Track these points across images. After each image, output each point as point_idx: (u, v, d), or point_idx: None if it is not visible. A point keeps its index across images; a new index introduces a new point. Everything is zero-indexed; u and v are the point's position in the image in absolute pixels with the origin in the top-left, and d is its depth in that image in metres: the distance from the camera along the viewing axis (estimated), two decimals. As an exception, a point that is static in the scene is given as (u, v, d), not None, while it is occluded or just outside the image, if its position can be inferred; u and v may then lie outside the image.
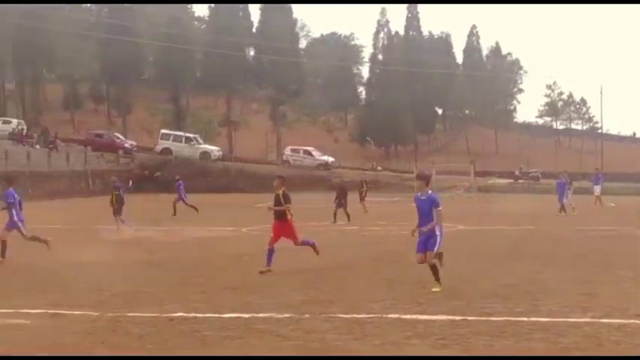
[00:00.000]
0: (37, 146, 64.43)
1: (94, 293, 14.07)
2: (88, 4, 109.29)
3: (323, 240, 20.24)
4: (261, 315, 11.80)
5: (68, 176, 60.87)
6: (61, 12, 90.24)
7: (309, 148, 75.89)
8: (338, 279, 15.76)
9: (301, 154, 74.24)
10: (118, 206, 29.02)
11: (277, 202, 16.87)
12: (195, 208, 36.52)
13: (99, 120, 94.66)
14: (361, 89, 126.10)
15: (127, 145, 72.14)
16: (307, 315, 11.73)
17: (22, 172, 54.81)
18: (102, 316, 11.84)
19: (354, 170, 73.55)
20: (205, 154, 70.49)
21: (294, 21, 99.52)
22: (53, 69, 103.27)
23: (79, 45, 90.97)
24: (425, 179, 14.48)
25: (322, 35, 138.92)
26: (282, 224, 16.94)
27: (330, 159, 74.48)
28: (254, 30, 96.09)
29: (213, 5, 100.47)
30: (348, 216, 31.64)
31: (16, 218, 18.63)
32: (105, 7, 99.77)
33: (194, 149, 70.73)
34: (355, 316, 11.69)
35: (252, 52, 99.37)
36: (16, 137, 66.01)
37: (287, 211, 16.80)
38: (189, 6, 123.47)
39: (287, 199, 16.88)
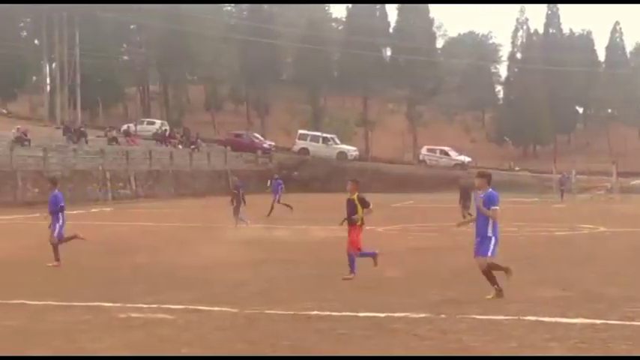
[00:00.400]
0: (180, 146, 66.29)
1: (233, 290, 14.42)
2: (229, 6, 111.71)
3: (460, 240, 20.09)
4: (397, 314, 11.83)
5: (209, 175, 62.43)
6: (203, 15, 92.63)
7: (446, 148, 75.35)
8: (475, 280, 15.60)
9: (438, 154, 73.80)
10: (237, 205, 29.66)
11: (351, 208, 16.25)
12: (290, 207, 36.84)
13: (238, 120, 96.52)
14: (499, 88, 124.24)
15: (265, 145, 73.35)
16: (443, 315, 11.70)
17: (165, 171, 56.66)
18: (240, 312, 12.13)
19: (491, 170, 72.54)
20: (342, 154, 70.93)
21: (431, 20, 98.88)
22: (195, 71, 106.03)
23: (219, 47, 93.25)
24: (485, 177, 13.75)
25: (459, 34, 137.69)
26: (353, 228, 16.30)
27: (467, 159, 73.72)
28: (391, 30, 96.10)
29: (350, 6, 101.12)
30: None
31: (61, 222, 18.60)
32: (245, 10, 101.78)
33: (331, 149, 71.27)
34: (492, 317, 11.59)
35: (388, 52, 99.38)
36: (159, 138, 68.11)
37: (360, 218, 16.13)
38: (326, 7, 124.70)
39: (365, 204, 16.27)
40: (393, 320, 11.46)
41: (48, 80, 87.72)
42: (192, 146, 66.07)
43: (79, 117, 75.37)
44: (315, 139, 72.74)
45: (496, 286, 13.18)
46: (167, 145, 65.55)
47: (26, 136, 50.63)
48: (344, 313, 12.05)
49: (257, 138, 75.09)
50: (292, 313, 12.06)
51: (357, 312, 12.05)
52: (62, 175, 48.30)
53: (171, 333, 10.59)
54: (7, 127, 55.04)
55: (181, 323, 11.32)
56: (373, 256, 16.41)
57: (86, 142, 57.24)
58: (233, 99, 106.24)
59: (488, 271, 13.24)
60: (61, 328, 10.93)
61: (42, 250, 21.37)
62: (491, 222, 13.12)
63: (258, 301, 13.20)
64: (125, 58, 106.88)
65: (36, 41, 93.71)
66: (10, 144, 48.24)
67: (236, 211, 29.56)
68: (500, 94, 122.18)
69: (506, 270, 13.41)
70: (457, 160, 72.61)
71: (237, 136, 74.56)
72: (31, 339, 10.23)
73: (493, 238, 13.14)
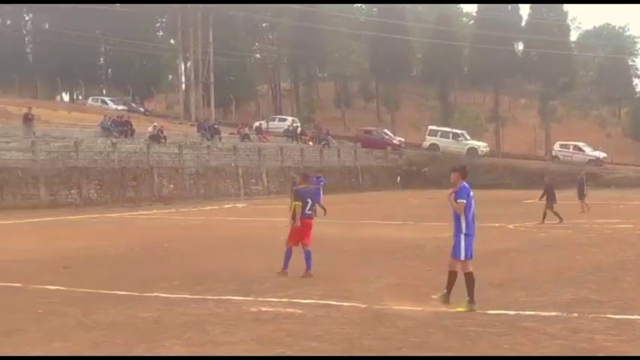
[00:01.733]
0: (311, 143, 66.88)
1: (363, 286, 14.49)
2: (360, 5, 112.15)
3: (593, 237, 19.57)
4: (527, 312, 11.66)
5: (339, 171, 62.76)
6: (334, 13, 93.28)
7: (580, 144, 73.41)
8: (608, 279, 15.22)
9: (571, 150, 71.99)
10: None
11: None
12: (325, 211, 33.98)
13: (368, 117, 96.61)
14: (636, 82, 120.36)
15: (395, 141, 73.21)
16: (575, 314, 11.46)
17: (296, 167, 57.26)
18: (369, 308, 12.18)
19: (627, 166, 70.38)
20: (472, 150, 70.12)
21: (565, 13, 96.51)
22: (326, 68, 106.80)
23: (350, 44, 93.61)
24: (458, 171, 12.39)
25: (594, 27, 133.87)
26: None
27: (602, 155, 71.65)
28: (523, 23, 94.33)
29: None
30: (559, 216, 29.63)
31: None
32: (374, 7, 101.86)
33: (461, 145, 70.56)
34: (627, 317, 11.28)
35: (520, 46, 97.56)
36: (290, 134, 68.88)
37: None
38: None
39: None
40: (523, 318, 11.29)
41: (183, 79, 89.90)
42: (323, 142, 66.54)
43: (213, 114, 76.94)
44: (445, 134, 72.17)
45: (446, 292, 12.02)
46: (298, 142, 66.23)
47: (162, 133, 52.08)
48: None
49: (387, 134, 75.03)
50: (421, 309, 12.03)
51: (487, 309, 11.91)
52: (196, 171, 49.58)
53: (299, 327, 10.72)
54: (145, 125, 56.78)
55: (310, 318, 11.45)
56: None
57: (220, 139, 58.43)
58: (363, 95, 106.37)
59: (468, 277, 12.02)
60: (194, 320, 11.22)
61: (178, 244, 22.02)
62: (462, 219, 12.01)
63: (387, 297, 13.21)
64: (257, 56, 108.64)
65: (172, 41, 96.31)
66: (147, 141, 49.75)
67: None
68: (638, 88, 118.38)
69: (447, 292, 12.06)
70: (591, 155, 70.64)
71: (367, 132, 74.67)
72: (166, 330, 10.53)
73: (463, 237, 11.98)
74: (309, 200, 16.30)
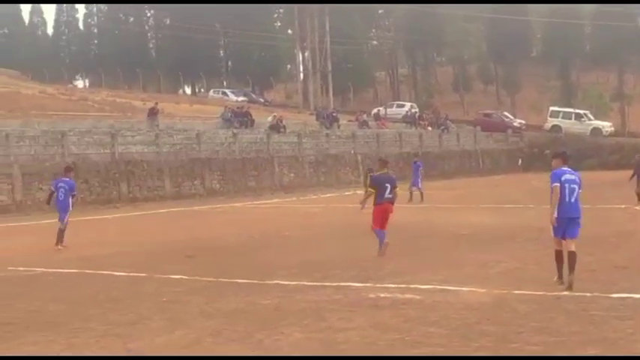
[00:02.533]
0: (429, 128, 66.46)
1: (481, 271, 14.36)
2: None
3: None
4: (657, 296, 11.34)
5: (459, 156, 62.24)
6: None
7: None
8: None
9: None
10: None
11: None
12: (411, 196, 33.93)
13: (488, 100, 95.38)
14: None
15: (515, 123, 72.05)
16: None
17: (415, 153, 57.04)
18: (488, 292, 12.06)
19: None
20: (596, 130, 68.30)
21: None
22: (443, 52, 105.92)
23: (467, 27, 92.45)
24: (560, 156, 13.10)
25: None
26: None
27: None
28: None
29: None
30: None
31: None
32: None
33: (584, 126, 68.83)
34: None
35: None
36: (409, 120, 68.63)
37: None
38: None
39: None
40: (648, 302, 10.99)
41: (301, 68, 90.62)
42: (442, 127, 66.03)
43: (331, 102, 77.37)
44: (567, 115, 70.51)
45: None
46: (416, 128, 65.90)
47: (282, 123, 52.64)
48: (596, 294, 11.68)
49: (507, 117, 73.90)
50: (541, 293, 11.85)
51: (610, 293, 11.64)
52: (316, 160, 49.96)
53: (417, 313, 10.70)
54: (264, 115, 57.54)
55: (429, 303, 11.41)
56: None
57: (338, 126, 58.67)
58: (482, 78, 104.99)
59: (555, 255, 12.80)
60: (313, 307, 11.34)
61: (298, 232, 22.27)
62: (556, 201, 12.53)
63: (507, 281, 13.06)
64: (374, 42, 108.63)
65: (289, 31, 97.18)
66: (267, 131, 50.40)
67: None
68: None
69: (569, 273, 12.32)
70: None
71: (487, 115, 73.72)
72: (285, 317, 10.68)
73: (554, 219, 12.55)
74: (387, 185, 16.93)
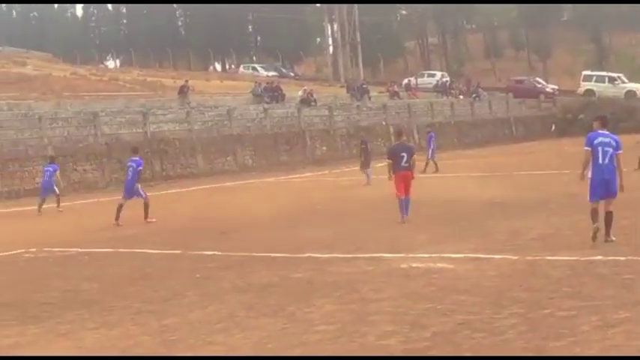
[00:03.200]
0: (461, 97, 66.08)
1: (513, 238, 14.31)
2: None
3: None
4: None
5: (491, 124, 61.86)
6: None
7: None
8: None
9: None
10: (365, 160, 30.98)
11: None
12: (436, 167, 34.18)
13: (519, 66, 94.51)
14: None
15: (548, 89, 71.40)
16: None
17: (447, 122, 56.83)
18: (521, 259, 12.02)
19: None
20: (631, 93, 67.42)
21: None
22: (473, 19, 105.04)
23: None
24: (599, 119, 13.60)
25: None
26: None
27: None
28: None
29: None
30: None
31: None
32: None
33: (618, 89, 67.97)
34: None
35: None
36: (440, 89, 68.26)
37: None
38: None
39: None
40: (683, 264, 10.90)
41: (330, 41, 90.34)
42: (474, 95, 65.59)
43: (362, 74, 77.09)
44: (600, 79, 69.67)
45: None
46: (448, 97, 65.55)
47: (312, 96, 52.58)
48: (630, 258, 11.60)
49: (539, 83, 73.23)
50: (575, 259, 11.79)
51: (645, 256, 11.56)
52: (347, 132, 49.90)
53: (449, 282, 10.70)
54: (295, 89, 57.49)
55: (460, 272, 11.41)
56: None
57: (369, 98, 58.45)
58: (513, 45, 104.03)
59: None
60: (345, 279, 11.37)
61: (330, 205, 22.31)
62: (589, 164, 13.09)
63: (539, 247, 13.01)
64: (403, 12, 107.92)
65: (317, 4, 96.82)
66: (297, 105, 50.37)
67: (364, 165, 30.82)
68: None
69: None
70: None
71: (519, 82, 73.06)
72: (318, 290, 10.73)
73: (589, 181, 13.16)
74: (404, 154, 17.84)
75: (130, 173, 21.54)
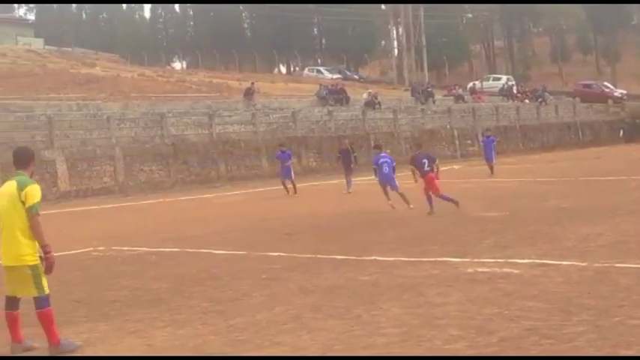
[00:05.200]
0: (527, 101, 65.45)
1: (581, 244, 14.12)
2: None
3: None
4: None
5: (557, 128, 61.17)
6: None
7: None
8: None
9: None
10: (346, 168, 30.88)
11: None
12: (492, 170, 34.06)
13: (587, 70, 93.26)
14: None
15: (616, 94, 70.41)
16: None
17: (512, 126, 56.36)
18: (589, 266, 11.86)
19: None
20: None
21: None
22: (540, 23, 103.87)
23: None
24: None
25: None
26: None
27: None
28: None
29: None
30: None
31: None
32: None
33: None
34: None
35: None
36: (505, 93, 67.67)
37: None
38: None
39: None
40: None
41: (395, 44, 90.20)
42: (540, 99, 64.91)
43: (426, 77, 76.85)
44: (671, 84, 68.62)
45: None
46: (514, 101, 64.98)
47: (377, 99, 52.58)
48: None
49: (607, 87, 72.23)
50: (644, 266, 11.61)
51: None
52: (412, 135, 49.76)
53: (516, 287, 10.61)
54: (359, 92, 57.53)
55: (527, 277, 11.29)
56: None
57: (433, 101, 58.26)
58: (581, 48, 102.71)
59: None
60: (411, 282, 11.35)
61: (395, 208, 22.26)
62: None
63: (608, 254, 12.81)
64: (469, 15, 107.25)
65: (382, 6, 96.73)
66: (362, 108, 50.40)
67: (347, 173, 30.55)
68: None
69: None
70: None
71: (586, 86, 72.16)
72: (383, 292, 10.73)
73: None
74: (425, 160, 20.71)
75: (386, 168, 22.38)
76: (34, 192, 8.44)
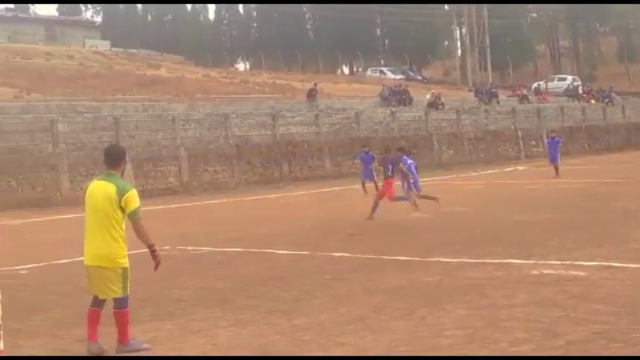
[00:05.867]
0: (593, 101, 64.51)
1: (649, 247, 13.90)
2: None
3: None
4: None
5: (624, 129, 60.18)
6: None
7: None
8: None
9: None
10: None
11: None
12: (557, 171, 33.27)
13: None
14: None
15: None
16: None
17: (577, 127, 55.61)
18: (658, 269, 11.68)
19: None
20: None
21: None
22: (606, 22, 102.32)
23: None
24: None
25: None
26: None
27: None
28: None
29: None
30: None
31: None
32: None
33: None
34: None
35: None
36: (571, 93, 66.80)
37: None
38: None
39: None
40: None
41: (459, 44, 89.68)
42: (606, 100, 63.91)
43: (490, 78, 76.23)
44: None
45: None
46: (579, 101, 64.09)
47: (440, 100, 52.32)
48: None
49: (676, 87, 70.93)
50: None
51: None
52: (475, 136, 49.42)
53: (583, 290, 10.47)
54: (422, 93, 57.30)
55: (594, 280, 11.15)
56: None
57: (497, 102, 57.78)
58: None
59: None
60: (475, 284, 11.28)
61: (459, 209, 22.15)
62: None
63: (678, 257, 12.60)
64: (533, 15, 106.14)
65: (446, 7, 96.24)
66: (425, 108, 50.19)
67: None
68: None
69: None
70: None
71: (655, 86, 70.97)
72: (447, 294, 10.67)
73: None
74: (390, 165, 21.73)
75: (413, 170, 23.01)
76: (135, 197, 8.52)
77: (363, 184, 29.08)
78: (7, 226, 23.49)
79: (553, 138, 35.65)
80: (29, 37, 78.97)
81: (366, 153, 30.17)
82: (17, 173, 31.73)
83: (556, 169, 33.84)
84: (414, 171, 22.07)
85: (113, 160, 8.74)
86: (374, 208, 21.08)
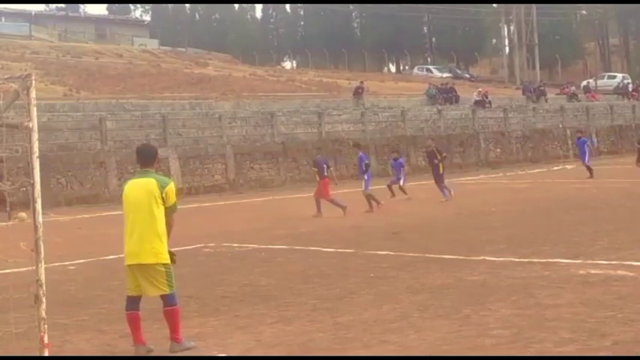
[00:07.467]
0: (642, 99, 63.65)
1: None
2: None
3: None
4: None
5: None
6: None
7: None
8: None
9: None
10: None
11: None
12: (589, 172, 32.15)
13: None
14: None
15: None
16: None
17: (627, 126, 54.89)
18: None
19: None
20: None
21: None
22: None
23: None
24: None
25: None
26: None
27: None
28: None
29: None
30: None
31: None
32: None
33: None
34: None
35: None
36: (621, 92, 65.96)
37: None
38: None
39: None
40: None
41: (506, 42, 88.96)
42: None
43: (538, 76, 75.53)
44: None
45: None
46: (629, 99, 63.25)
47: (487, 98, 51.98)
48: None
49: None
50: None
51: None
52: (523, 135, 49.00)
53: (630, 290, 10.34)
54: (469, 91, 56.97)
55: (642, 280, 11.01)
56: None
57: (546, 100, 57.26)
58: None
59: None
60: (520, 283, 11.19)
61: (505, 208, 22.00)
62: None
63: None
64: (583, 12, 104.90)
65: (494, 4, 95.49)
66: (472, 107, 49.90)
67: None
68: None
69: None
70: None
71: None
72: (492, 293, 10.60)
73: None
74: (325, 166, 23.57)
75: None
76: (174, 191, 8.65)
77: (390, 185, 28.43)
78: (56, 222, 23.78)
79: (579, 138, 34.95)
80: (79, 36, 79.97)
81: (395, 160, 28.87)
82: (66, 170, 32.17)
83: (588, 169, 32.89)
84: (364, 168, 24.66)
85: (147, 158, 8.86)
86: (317, 205, 22.75)
